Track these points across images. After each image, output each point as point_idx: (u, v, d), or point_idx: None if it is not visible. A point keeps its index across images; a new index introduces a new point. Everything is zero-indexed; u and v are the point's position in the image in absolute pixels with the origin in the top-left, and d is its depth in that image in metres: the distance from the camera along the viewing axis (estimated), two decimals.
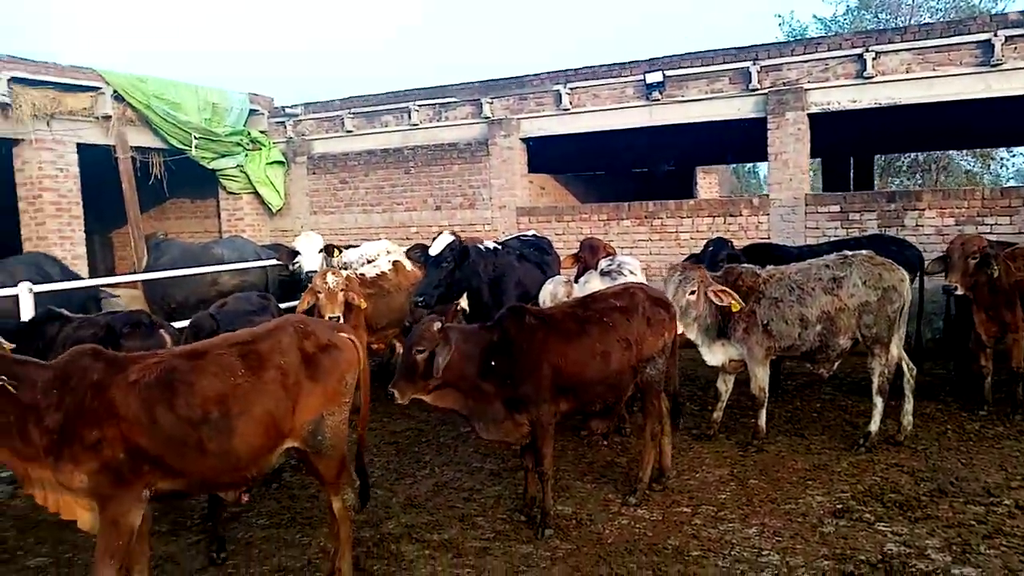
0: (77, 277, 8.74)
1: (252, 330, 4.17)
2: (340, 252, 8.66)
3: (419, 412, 7.59)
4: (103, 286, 8.98)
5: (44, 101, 11.33)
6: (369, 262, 8.44)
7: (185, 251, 9.86)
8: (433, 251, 6.62)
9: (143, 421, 3.57)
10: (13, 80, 10.86)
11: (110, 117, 12.14)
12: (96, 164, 12.40)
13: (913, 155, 26.52)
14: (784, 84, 10.78)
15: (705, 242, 8.26)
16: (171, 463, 3.65)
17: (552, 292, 6.36)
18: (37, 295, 6.68)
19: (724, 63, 11.11)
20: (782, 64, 10.79)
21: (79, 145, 11.92)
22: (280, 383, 3.82)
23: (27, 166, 11.48)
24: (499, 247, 7.31)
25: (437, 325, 4.60)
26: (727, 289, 5.78)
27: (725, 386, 6.41)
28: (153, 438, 3.59)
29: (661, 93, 11.50)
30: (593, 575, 4.27)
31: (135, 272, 11.98)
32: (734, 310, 5.81)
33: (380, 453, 6.48)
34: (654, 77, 11.43)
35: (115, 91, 12.16)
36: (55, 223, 11.53)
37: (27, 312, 6.51)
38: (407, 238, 13.36)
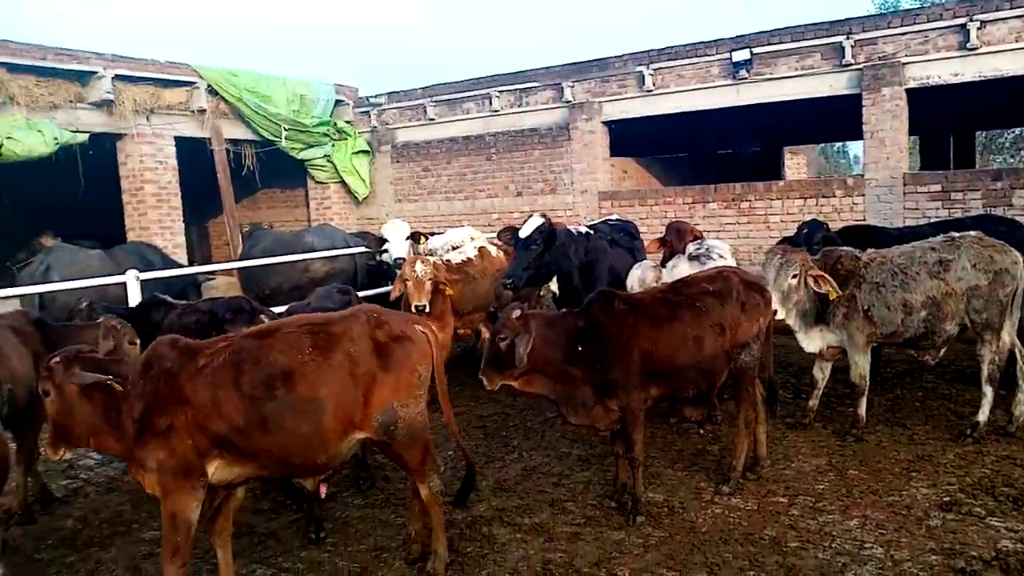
0: (178, 265, 9.13)
1: (326, 314, 4.19)
2: (426, 239, 8.77)
3: (505, 397, 7.64)
4: (202, 273, 9.36)
5: (144, 97, 11.85)
6: (454, 248, 8.52)
7: (278, 239, 10.19)
8: (523, 233, 6.59)
9: (209, 404, 3.62)
10: (116, 78, 11.38)
11: (205, 110, 12.61)
12: (192, 156, 12.91)
13: (1017, 131, 25.01)
14: (880, 58, 10.31)
15: (798, 224, 7.97)
16: (239, 444, 3.67)
17: (640, 277, 6.28)
18: (143, 282, 7.02)
19: (815, 38, 10.69)
20: (877, 38, 10.32)
21: (176, 138, 12.43)
22: (349, 370, 3.76)
23: (129, 159, 12.04)
24: (591, 232, 7.23)
25: (517, 313, 4.63)
26: (825, 275, 5.57)
27: (822, 373, 6.20)
28: (221, 419, 3.63)
29: (748, 71, 11.17)
30: (687, 563, 4.21)
31: (231, 260, 12.45)
32: (831, 298, 5.60)
33: (468, 437, 6.55)
34: (741, 55, 11.10)
35: (209, 85, 12.61)
36: (156, 214, 12.07)
37: (134, 298, 6.84)
38: (489, 224, 13.44)
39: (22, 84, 10.44)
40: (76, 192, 11.45)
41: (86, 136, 10.94)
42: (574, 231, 7.15)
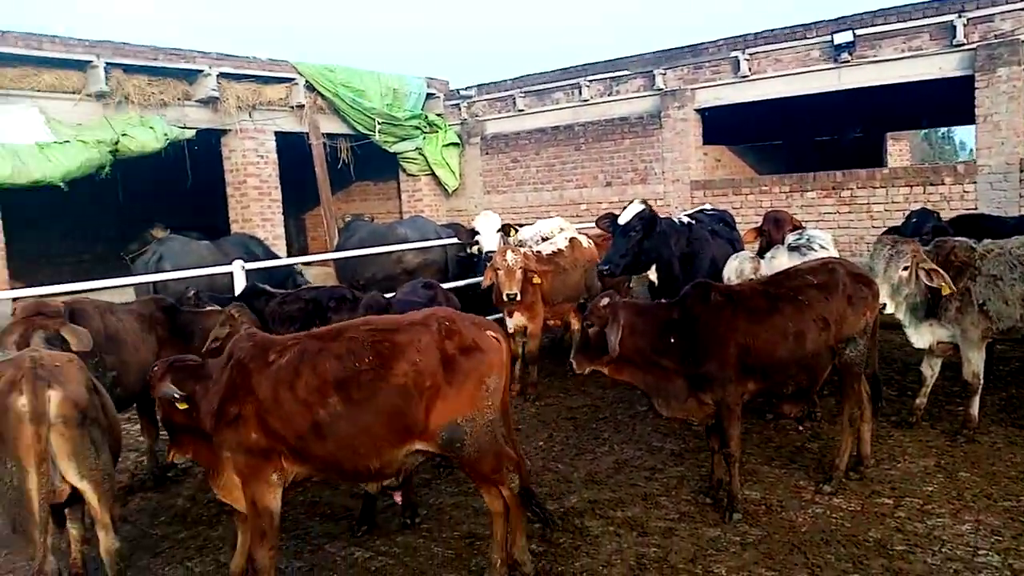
0: (278, 256, 9.47)
1: (397, 318, 4.05)
2: (516, 232, 8.80)
3: (595, 389, 7.62)
4: (302, 263, 9.68)
5: (247, 94, 12.33)
6: (544, 239, 8.52)
7: (372, 231, 10.44)
8: (622, 220, 6.51)
9: (270, 401, 3.62)
10: (221, 75, 11.87)
11: (303, 106, 13.02)
12: (289, 150, 13.36)
13: None
14: (996, 37, 9.71)
15: (907, 214, 7.61)
16: (295, 446, 3.64)
17: (738, 268, 6.11)
18: (247, 272, 7.31)
19: (924, 17, 10.17)
20: (993, 15, 9.73)
21: (277, 133, 12.88)
22: (413, 381, 3.62)
23: (233, 154, 12.57)
24: (692, 222, 7.10)
25: (605, 301, 4.61)
26: (938, 268, 5.29)
27: (931, 370, 5.91)
28: (279, 418, 3.61)
29: (851, 54, 10.72)
30: (787, 563, 4.10)
31: (327, 251, 12.84)
32: (944, 293, 5.31)
33: (559, 428, 6.56)
34: (843, 37, 10.67)
35: (307, 81, 13.01)
36: (258, 206, 12.57)
37: (239, 287, 7.13)
38: (577, 215, 13.40)
39: (136, 83, 11.03)
40: (183, 186, 12.02)
41: (193, 132, 11.48)
42: (675, 220, 7.03)
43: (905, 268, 5.29)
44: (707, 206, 8.81)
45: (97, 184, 10.55)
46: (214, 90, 11.76)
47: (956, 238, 5.79)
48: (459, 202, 15.53)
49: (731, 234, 7.32)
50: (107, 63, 10.59)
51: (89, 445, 3.59)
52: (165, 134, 10.83)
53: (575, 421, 6.74)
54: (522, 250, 7.43)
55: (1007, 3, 9.65)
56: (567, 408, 7.12)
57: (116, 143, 10.30)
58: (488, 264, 8.34)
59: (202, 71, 11.72)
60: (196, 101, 11.87)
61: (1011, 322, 5.40)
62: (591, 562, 4.25)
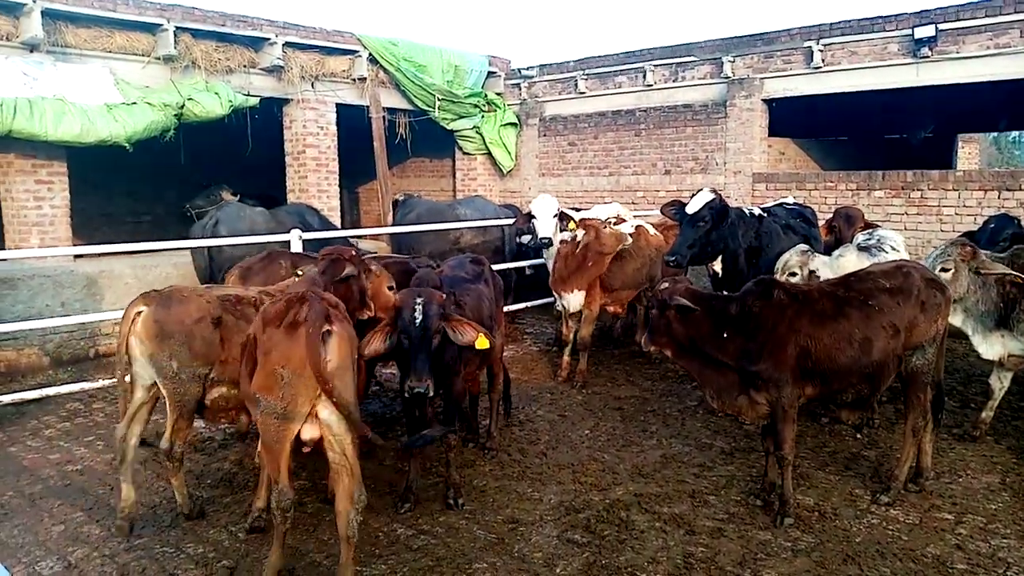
0: (334, 227, 9.50)
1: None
2: (574, 221, 8.65)
3: (643, 380, 7.51)
4: (358, 237, 9.71)
5: (310, 64, 12.36)
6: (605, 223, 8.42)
7: (431, 208, 10.43)
8: (690, 209, 6.32)
9: None
10: (286, 45, 11.93)
11: (365, 79, 13.01)
12: (347, 123, 13.39)
13: None
14: None
15: (984, 219, 7.28)
16: None
17: (784, 261, 5.89)
18: (305, 241, 7.35)
19: (1015, 12, 9.66)
20: None
21: (337, 105, 12.91)
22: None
23: (294, 124, 12.63)
24: (764, 214, 6.89)
25: (664, 286, 4.60)
26: (1007, 271, 5.06)
27: (1000, 383, 5.66)
28: None
29: (932, 49, 10.27)
30: (840, 574, 3.97)
31: (381, 225, 12.87)
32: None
33: (605, 418, 6.47)
34: (925, 31, 10.21)
35: (370, 54, 12.99)
36: (315, 177, 12.63)
37: None
38: (633, 202, 13.19)
39: (203, 49, 11.12)
40: (243, 153, 12.15)
41: (257, 100, 11.55)
42: (746, 211, 6.84)
43: (944, 269, 5.07)
44: (788, 199, 8.53)
45: (160, 147, 10.71)
46: (279, 59, 11.80)
47: None
48: (513, 183, 15.43)
49: (808, 230, 7.05)
50: (176, 27, 10.69)
51: None
52: (230, 101, 10.92)
53: (622, 412, 6.64)
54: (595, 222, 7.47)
55: None
56: (614, 398, 7.02)
57: (182, 107, 10.42)
58: (544, 247, 8.29)
59: (268, 39, 11.77)
60: (261, 69, 11.93)
61: None
62: (636, 557, 4.18)
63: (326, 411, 3.68)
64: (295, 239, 7.17)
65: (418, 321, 4.29)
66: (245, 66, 11.69)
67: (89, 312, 8.27)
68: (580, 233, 7.69)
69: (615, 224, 8.77)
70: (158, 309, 4.36)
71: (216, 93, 10.74)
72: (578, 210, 9.92)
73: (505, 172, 15.38)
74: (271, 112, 12.51)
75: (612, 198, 12.94)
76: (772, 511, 4.60)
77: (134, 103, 9.96)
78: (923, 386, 4.75)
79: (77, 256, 9.57)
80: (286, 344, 3.64)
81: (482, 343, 4.45)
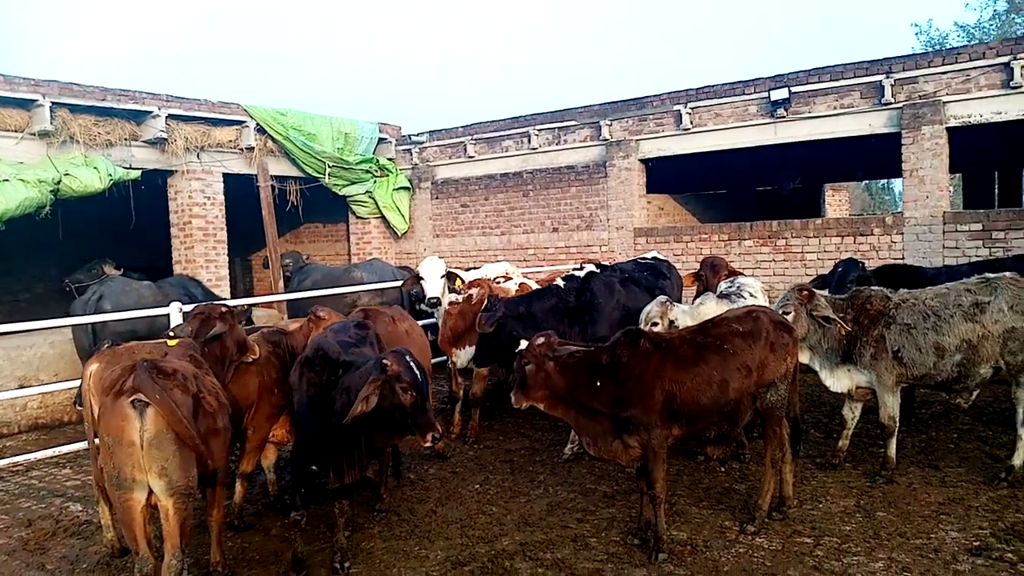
0: (217, 298, 9.39)
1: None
2: (462, 280, 8.89)
3: (533, 431, 7.69)
4: (247, 305, 9.60)
5: (195, 135, 12.33)
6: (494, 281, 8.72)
7: (327, 274, 10.47)
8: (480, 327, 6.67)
9: None
10: (170, 117, 11.88)
11: (253, 148, 13.05)
12: (238, 192, 13.34)
13: None
14: (920, 97, 10.26)
15: (834, 263, 7.94)
16: None
17: (647, 311, 6.25)
18: (185, 314, 7.27)
19: (855, 77, 10.70)
20: (918, 76, 10.29)
21: (224, 175, 12.87)
22: None
23: (179, 195, 12.51)
24: (595, 271, 7.25)
25: (540, 341, 4.84)
26: (831, 314, 5.64)
27: (852, 414, 6.13)
28: None
29: (787, 110, 11.20)
30: None
31: (272, 293, 12.75)
32: (842, 333, 5.62)
33: (495, 471, 6.60)
34: (779, 94, 11.15)
35: (258, 124, 13.06)
36: (202, 247, 12.48)
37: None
38: (524, 259, 13.60)
39: (82, 123, 10.97)
40: (127, 225, 11.90)
41: (139, 172, 11.41)
42: (560, 282, 7.15)
43: (786, 313, 5.55)
44: (650, 254, 9.04)
45: (37, 223, 10.40)
46: (162, 131, 11.74)
47: (873, 287, 6.06)
48: (408, 245, 15.63)
49: (656, 282, 7.46)
50: (53, 102, 10.53)
51: None
52: (109, 174, 10.75)
53: (512, 464, 6.79)
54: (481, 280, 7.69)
55: (930, 66, 10.23)
56: (505, 451, 7.16)
57: (58, 182, 10.20)
58: (432, 308, 8.47)
59: (151, 112, 11.71)
60: (143, 141, 11.83)
61: (924, 369, 5.65)
62: None
63: (151, 479, 3.75)
64: (175, 312, 7.09)
65: (420, 374, 4.35)
66: (127, 139, 11.58)
67: None
68: (475, 292, 7.89)
69: (503, 282, 9.12)
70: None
71: (95, 167, 10.57)
72: (469, 269, 10.19)
73: (400, 234, 15.58)
74: (156, 183, 12.35)
75: (504, 256, 13.31)
76: (648, 548, 4.81)
77: (6, 180, 9.68)
78: (778, 420, 5.11)
79: None
80: (110, 413, 3.74)
81: None
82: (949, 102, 10.09)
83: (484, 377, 7.80)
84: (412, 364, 4.33)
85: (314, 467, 4.74)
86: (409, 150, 15.40)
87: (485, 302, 7.15)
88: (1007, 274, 5.81)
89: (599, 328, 6.75)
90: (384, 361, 4.30)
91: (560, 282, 7.16)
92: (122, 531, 4.01)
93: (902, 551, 4.63)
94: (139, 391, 3.72)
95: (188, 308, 7.49)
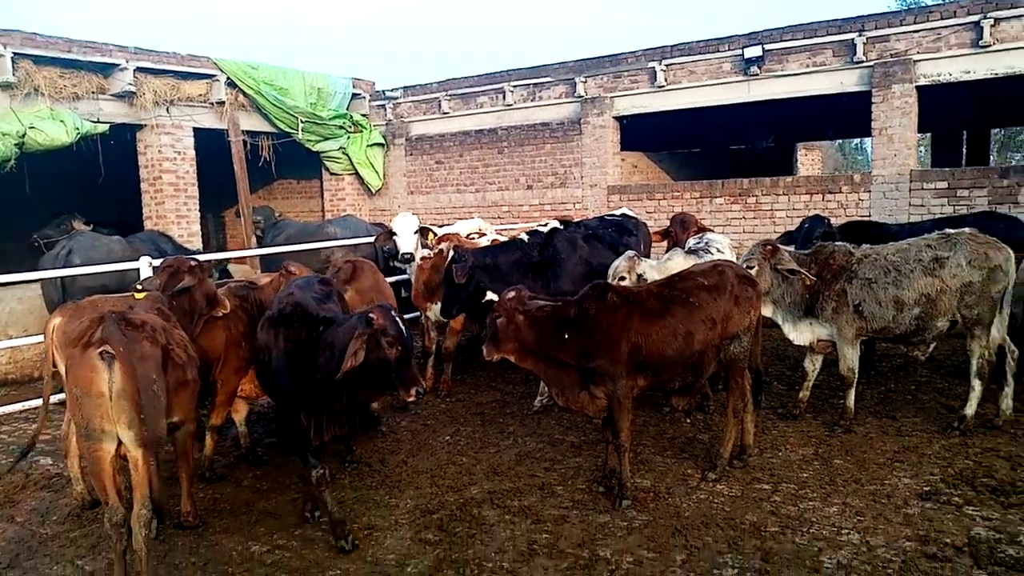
0: (190, 252, 9.33)
1: None
2: (434, 235, 8.91)
3: (504, 384, 7.82)
4: (218, 260, 9.56)
5: (165, 89, 12.11)
6: (467, 237, 8.75)
7: (301, 229, 10.44)
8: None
9: None
10: (138, 70, 11.64)
11: (223, 103, 12.85)
12: (210, 147, 13.17)
13: None
14: (891, 56, 10.32)
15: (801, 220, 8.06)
16: None
17: (614, 266, 6.33)
18: (154, 268, 7.23)
19: (828, 35, 10.72)
20: (889, 35, 10.33)
21: (195, 129, 12.68)
22: None
23: (149, 149, 12.32)
24: (559, 228, 7.29)
25: (511, 295, 4.91)
26: (796, 267, 5.75)
27: (813, 366, 6.30)
28: None
29: (760, 68, 11.21)
30: (668, 545, 4.35)
31: (245, 248, 12.68)
32: (807, 284, 5.77)
33: (466, 423, 6.72)
34: (753, 51, 11.15)
35: (228, 78, 12.84)
36: (173, 203, 12.35)
37: None
38: (499, 217, 13.61)
39: (47, 76, 10.72)
40: (96, 180, 11.73)
41: (107, 127, 11.21)
42: (524, 236, 7.20)
43: (750, 267, 5.67)
44: (619, 211, 9.10)
45: (3, 178, 10.23)
46: (130, 84, 11.52)
47: (836, 243, 6.18)
48: (382, 202, 15.56)
49: (620, 239, 7.52)
50: (15, 53, 10.27)
51: None
52: (76, 128, 10.56)
53: (483, 416, 6.91)
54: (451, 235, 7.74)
55: (902, 25, 10.27)
56: (476, 404, 7.28)
57: (23, 136, 10.01)
58: (405, 264, 8.51)
59: (118, 65, 11.47)
60: (111, 95, 11.61)
61: (884, 322, 5.81)
62: (484, 549, 4.42)
63: (120, 429, 3.79)
64: (144, 266, 7.06)
65: (405, 329, 4.32)
66: (94, 92, 11.35)
67: None
68: (444, 246, 7.94)
69: (476, 238, 9.15)
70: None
71: (61, 121, 10.38)
72: (442, 226, 10.19)
73: (374, 191, 15.49)
74: (125, 138, 12.15)
75: (479, 214, 13.30)
76: (612, 495, 4.96)
77: None
78: (741, 371, 5.25)
79: None
80: (78, 365, 3.75)
81: None
82: (920, 61, 10.16)
83: (456, 332, 7.88)
84: (396, 318, 4.28)
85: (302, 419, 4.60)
86: (383, 106, 15.24)
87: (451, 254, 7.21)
88: (966, 230, 5.95)
89: (561, 283, 6.83)
90: (370, 315, 4.23)
91: (524, 237, 7.21)
92: (92, 482, 4.05)
93: (856, 496, 4.81)
94: (107, 342, 3.74)
95: (158, 263, 7.46)
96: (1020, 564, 3.92)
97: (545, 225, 7.43)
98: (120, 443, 3.84)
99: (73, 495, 5.28)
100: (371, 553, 4.44)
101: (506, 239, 8.96)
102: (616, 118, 12.67)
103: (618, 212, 8.79)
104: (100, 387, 3.74)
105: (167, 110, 12.25)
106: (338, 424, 4.59)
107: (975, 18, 9.71)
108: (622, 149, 13.05)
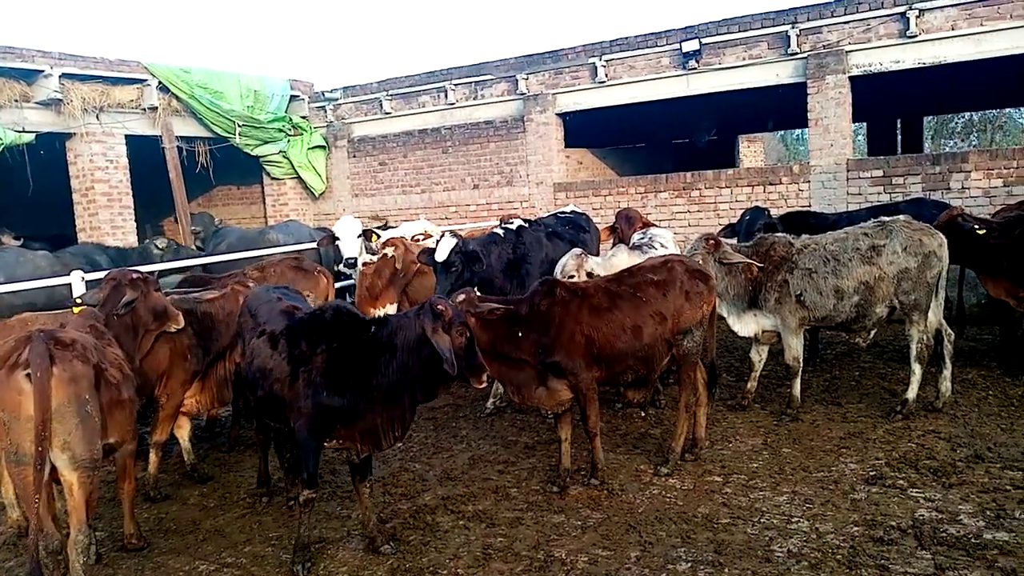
0: (127, 264, 9.04)
1: None
2: (379, 237, 8.80)
3: (457, 388, 7.72)
4: (150, 273, 9.27)
5: (93, 95, 11.71)
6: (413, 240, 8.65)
7: (242, 236, 10.19)
8: (439, 256, 6.49)
9: None
10: (64, 76, 11.23)
11: (156, 108, 12.48)
12: (144, 155, 12.78)
13: (968, 115, 25.58)
14: (824, 47, 10.54)
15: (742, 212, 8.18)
16: None
17: (563, 264, 6.34)
18: (88, 282, 6.97)
19: (762, 28, 10.89)
20: (822, 26, 10.54)
21: (127, 136, 12.29)
22: None
23: (79, 159, 11.91)
24: (525, 225, 7.31)
25: (461, 298, 4.81)
26: (743, 258, 5.83)
27: (759, 356, 6.39)
28: None
29: (698, 61, 11.34)
30: (622, 542, 4.35)
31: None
32: (753, 273, 5.86)
33: (419, 428, 6.63)
34: (691, 45, 11.26)
35: (160, 82, 12.48)
36: (107, 213, 11.96)
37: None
38: (446, 217, 13.52)
39: None
40: (25, 192, 11.29)
41: (32, 136, 10.80)
42: (500, 232, 7.21)
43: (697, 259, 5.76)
44: (568, 208, 9.10)
45: None
46: (56, 91, 11.11)
47: (777, 234, 6.28)
48: (327, 206, 15.32)
49: (577, 236, 7.56)
50: None
51: None
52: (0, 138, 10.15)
53: (435, 421, 6.84)
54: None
55: (832, 16, 10.49)
56: (428, 408, 7.16)
57: None
58: (350, 269, 8.38)
59: (43, 71, 11.05)
60: (36, 103, 11.18)
61: (825, 311, 5.92)
62: (439, 556, 4.36)
63: (52, 453, 3.62)
64: (77, 280, 6.79)
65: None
66: (17, 100, 10.93)
67: None
68: (389, 251, 7.85)
69: (422, 240, 9.06)
70: None
71: None
72: (387, 228, 10.08)
73: (317, 195, 15.25)
74: (54, 147, 11.72)
75: (426, 215, 13.20)
76: (567, 495, 4.95)
77: None
78: (693, 366, 5.28)
79: None
80: (5, 388, 3.59)
81: None
82: (851, 51, 10.39)
83: None
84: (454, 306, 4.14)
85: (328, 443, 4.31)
86: (323, 107, 15.00)
87: (401, 259, 7.15)
88: (900, 217, 6.10)
89: (531, 281, 6.82)
90: (437, 306, 4.04)
91: (500, 231, 7.17)
92: (25, 508, 3.87)
93: (805, 484, 4.89)
94: (30, 365, 3.58)
95: (92, 276, 7.19)
96: (960, 542, 4.02)
97: (511, 223, 7.41)
98: (53, 467, 3.68)
99: (8, 522, 5.05)
100: (323, 567, 4.35)
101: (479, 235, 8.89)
102: (559, 115, 12.68)
103: (567, 209, 8.80)
104: (29, 410, 3.57)
105: (97, 117, 11.85)
106: (400, 430, 4.33)
107: (901, 9, 9.96)
108: (567, 146, 13.07)
